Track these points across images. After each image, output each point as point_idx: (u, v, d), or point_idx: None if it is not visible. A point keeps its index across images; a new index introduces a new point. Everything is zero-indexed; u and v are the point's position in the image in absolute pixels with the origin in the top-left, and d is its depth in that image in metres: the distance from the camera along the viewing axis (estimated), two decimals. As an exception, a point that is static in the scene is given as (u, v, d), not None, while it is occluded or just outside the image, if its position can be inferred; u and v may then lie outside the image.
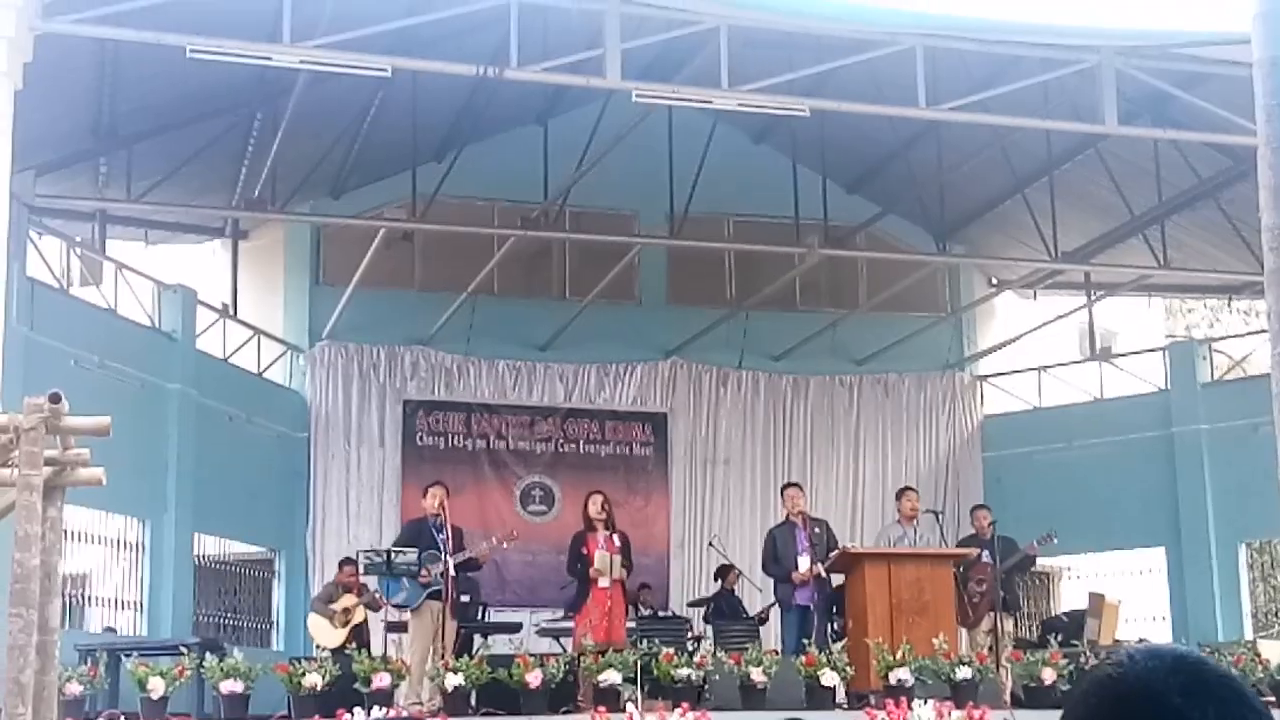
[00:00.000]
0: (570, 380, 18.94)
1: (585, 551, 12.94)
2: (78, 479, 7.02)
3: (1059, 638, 13.46)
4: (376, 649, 13.60)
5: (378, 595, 13.67)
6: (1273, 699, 13.02)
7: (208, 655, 11.99)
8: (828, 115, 14.09)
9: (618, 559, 12.90)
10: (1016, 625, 15.14)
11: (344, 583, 14.77)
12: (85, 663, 12.18)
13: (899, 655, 11.77)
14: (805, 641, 12.53)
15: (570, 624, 13.42)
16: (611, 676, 11.45)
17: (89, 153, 15.22)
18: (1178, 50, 13.06)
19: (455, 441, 18.49)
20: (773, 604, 14.47)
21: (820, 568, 13.23)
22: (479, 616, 14.96)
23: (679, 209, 16.69)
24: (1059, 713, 2.19)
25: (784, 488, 14.38)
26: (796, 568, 13.26)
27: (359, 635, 14.18)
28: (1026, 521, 15.59)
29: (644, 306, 19.43)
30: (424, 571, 12.51)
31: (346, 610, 14.46)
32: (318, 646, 14.30)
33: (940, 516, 14.40)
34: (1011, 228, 18.73)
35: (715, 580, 16.51)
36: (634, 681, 11.43)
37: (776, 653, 12.74)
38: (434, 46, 13.08)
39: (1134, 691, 1.83)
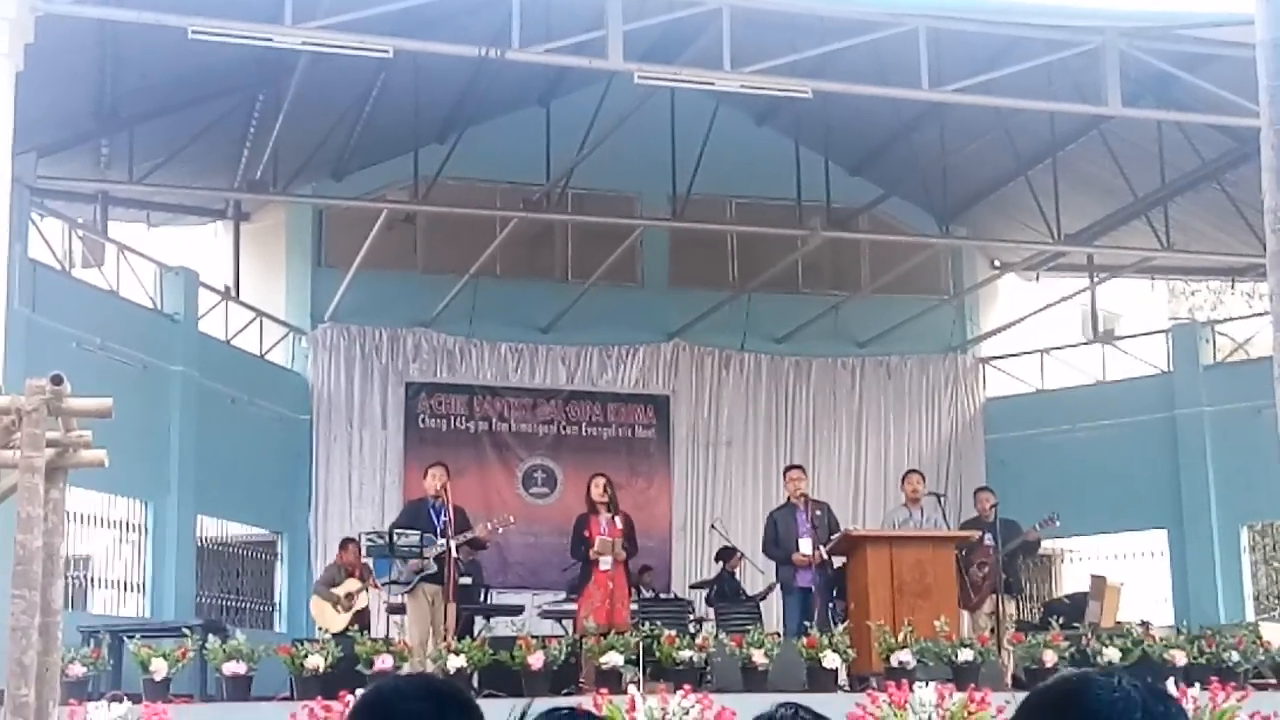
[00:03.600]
0: (572, 362, 18.94)
1: (587, 534, 12.97)
2: (80, 461, 7.01)
3: (1060, 620, 13.46)
4: (379, 632, 13.61)
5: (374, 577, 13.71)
6: (1275, 681, 13.05)
7: (210, 637, 12.02)
8: (831, 97, 14.05)
9: (618, 541, 12.92)
10: (1018, 608, 15.17)
11: (346, 565, 14.78)
12: (88, 644, 12.21)
13: (901, 638, 11.78)
14: (807, 624, 12.55)
15: (573, 606, 13.45)
16: (613, 658, 11.47)
17: (90, 134, 15.19)
18: (1181, 31, 13.03)
19: (457, 423, 18.49)
20: (774, 584, 14.48)
21: (823, 551, 13.25)
22: (481, 599, 14.97)
23: (681, 191, 16.66)
24: (1046, 681, 2.20)
25: (786, 469, 14.39)
26: (798, 550, 13.28)
27: (362, 619, 14.20)
28: (1029, 504, 15.58)
29: (646, 288, 19.42)
30: (423, 554, 12.52)
31: (350, 594, 14.47)
32: (321, 630, 14.32)
33: (942, 499, 14.41)
34: (1014, 210, 18.70)
35: (717, 562, 16.52)
36: (636, 663, 11.45)
37: (778, 635, 12.76)
38: (436, 27, 13.05)
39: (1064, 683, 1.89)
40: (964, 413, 20.10)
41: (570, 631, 13.16)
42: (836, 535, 13.36)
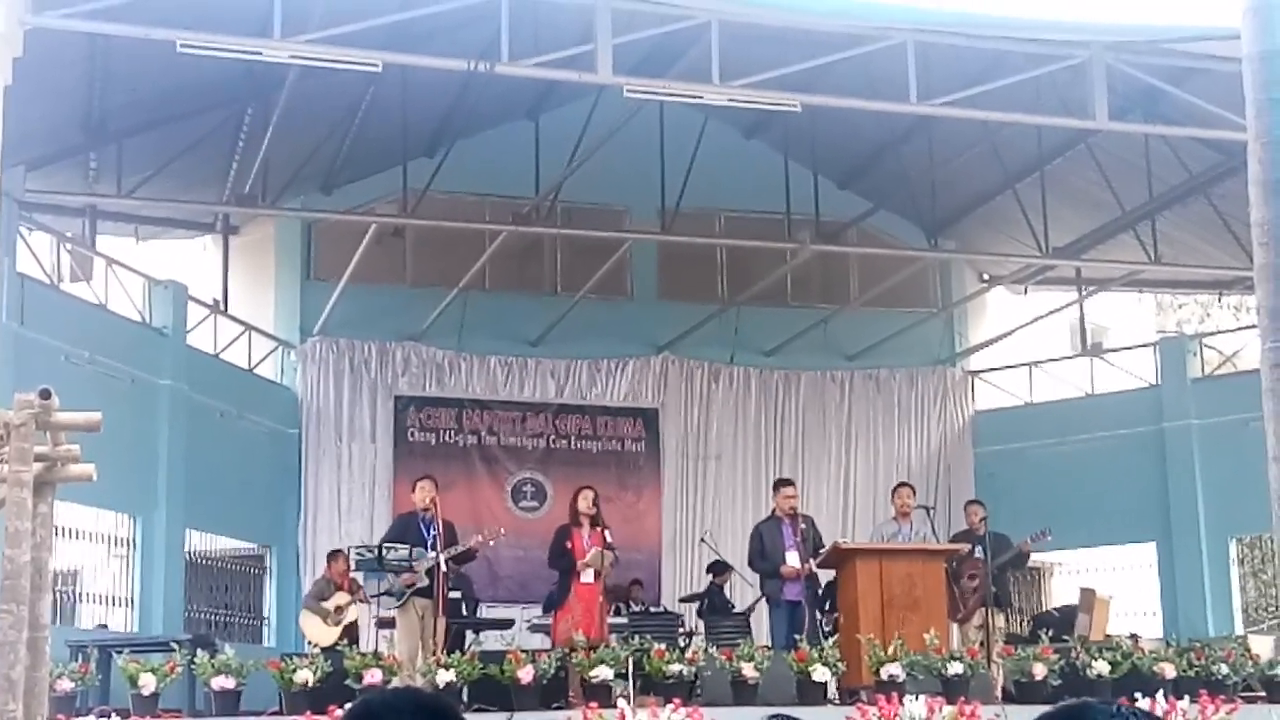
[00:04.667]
0: (562, 376, 18.93)
1: (569, 546, 12.94)
2: (68, 475, 7.01)
3: (1050, 633, 13.48)
4: (368, 646, 13.58)
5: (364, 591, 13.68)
6: (1263, 694, 13.06)
7: (199, 651, 11.98)
8: (819, 111, 14.09)
9: (608, 554, 12.91)
10: (1008, 620, 15.17)
11: (334, 578, 14.75)
12: (76, 659, 12.16)
13: (890, 651, 11.78)
14: (797, 637, 12.55)
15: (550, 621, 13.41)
16: (603, 672, 11.45)
17: (79, 148, 15.18)
18: (1168, 45, 13.07)
19: (447, 437, 18.48)
20: (760, 598, 14.47)
21: (811, 565, 13.26)
22: (471, 613, 14.94)
23: (670, 204, 16.68)
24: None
25: (779, 484, 14.36)
26: (785, 563, 13.27)
27: (351, 633, 14.16)
28: (1018, 517, 15.61)
29: (635, 302, 19.42)
30: (413, 568, 12.52)
31: (339, 607, 14.44)
32: (310, 644, 14.29)
33: (931, 512, 14.42)
34: (1002, 223, 18.74)
35: (708, 575, 16.50)
36: (625, 677, 11.44)
37: (768, 648, 12.75)
38: (425, 41, 13.07)
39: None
40: (953, 426, 20.12)
41: (551, 645, 13.12)
42: (824, 550, 13.36)
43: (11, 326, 12.92)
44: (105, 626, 15.14)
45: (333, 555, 15.11)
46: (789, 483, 14.34)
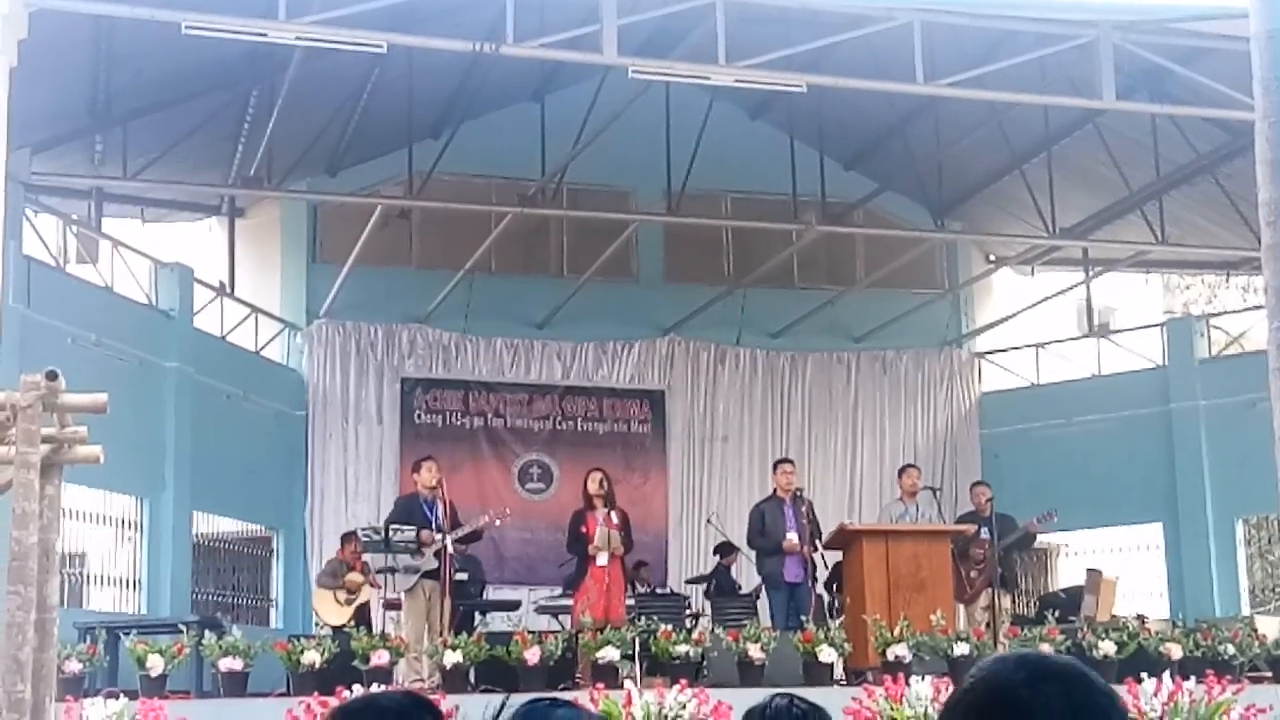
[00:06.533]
0: (568, 358, 18.93)
1: (585, 529, 12.97)
2: (75, 457, 7.01)
3: (1056, 614, 13.48)
4: (377, 628, 13.60)
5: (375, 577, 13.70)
6: (1270, 674, 13.06)
7: (206, 633, 12.01)
8: (825, 91, 14.05)
9: (617, 534, 12.93)
10: (1014, 602, 15.18)
11: (349, 561, 14.77)
12: (84, 641, 12.21)
13: (897, 632, 11.80)
14: (804, 619, 12.55)
15: (569, 601, 13.46)
16: (610, 653, 11.48)
17: (85, 130, 15.18)
18: (1176, 25, 13.03)
19: (453, 419, 18.49)
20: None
21: (818, 547, 13.25)
22: (478, 594, 14.97)
23: (676, 186, 16.66)
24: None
25: (778, 463, 14.37)
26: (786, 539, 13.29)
27: (362, 615, 14.19)
28: (1024, 498, 15.61)
29: (641, 284, 19.41)
30: (421, 553, 12.54)
31: (352, 588, 14.47)
32: (319, 624, 14.32)
33: (937, 493, 14.41)
34: (1009, 204, 18.71)
35: (714, 555, 16.52)
36: (632, 658, 11.46)
37: (773, 629, 12.77)
38: (430, 22, 13.04)
39: (987, 691, 2.06)
40: (959, 407, 20.11)
41: (566, 627, 13.16)
42: (832, 530, 13.38)
43: (18, 309, 12.92)
44: (113, 609, 15.14)
45: (346, 537, 15.13)
46: (788, 461, 14.35)
